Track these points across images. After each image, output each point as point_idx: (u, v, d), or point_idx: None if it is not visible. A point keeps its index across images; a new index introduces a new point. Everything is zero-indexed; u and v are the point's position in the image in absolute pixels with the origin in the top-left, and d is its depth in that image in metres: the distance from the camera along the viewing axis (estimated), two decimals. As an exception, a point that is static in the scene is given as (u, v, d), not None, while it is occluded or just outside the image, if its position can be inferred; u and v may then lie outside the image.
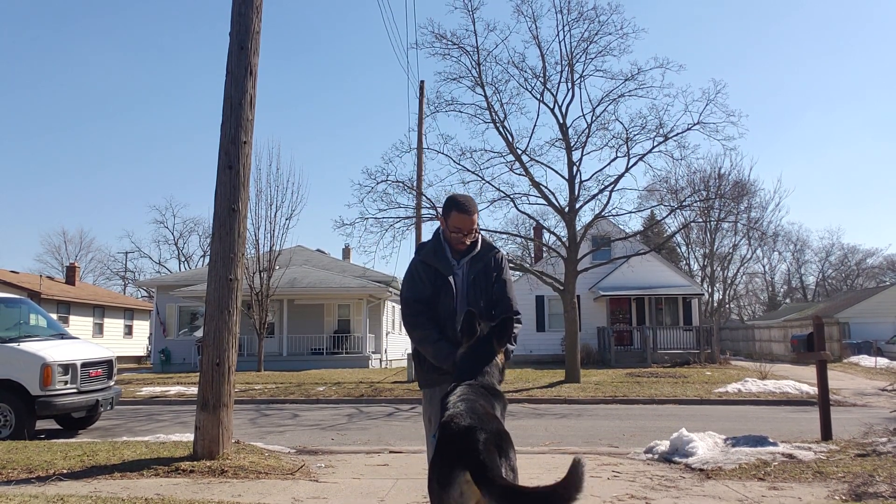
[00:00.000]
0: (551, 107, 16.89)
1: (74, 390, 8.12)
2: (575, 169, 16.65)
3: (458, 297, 3.07)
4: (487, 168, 16.78)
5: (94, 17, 78.55)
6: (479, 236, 3.18)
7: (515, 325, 2.80)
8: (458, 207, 3.01)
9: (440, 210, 3.42)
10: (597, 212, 17.52)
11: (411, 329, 3.06)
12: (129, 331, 32.35)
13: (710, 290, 42.28)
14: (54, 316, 9.96)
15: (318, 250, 30.72)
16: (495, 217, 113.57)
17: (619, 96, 16.60)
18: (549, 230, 19.18)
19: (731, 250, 44.98)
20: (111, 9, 78.00)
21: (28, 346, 8.10)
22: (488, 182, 16.62)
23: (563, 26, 16.51)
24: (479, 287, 3.08)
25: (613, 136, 16.83)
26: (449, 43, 16.40)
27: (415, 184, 16.82)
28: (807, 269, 55.57)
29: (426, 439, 2.99)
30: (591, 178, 17.59)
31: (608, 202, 16.93)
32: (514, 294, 3.15)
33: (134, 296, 43.44)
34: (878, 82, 78.30)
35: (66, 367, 8.05)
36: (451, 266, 3.09)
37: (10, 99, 72.77)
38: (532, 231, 30.93)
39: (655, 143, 16.35)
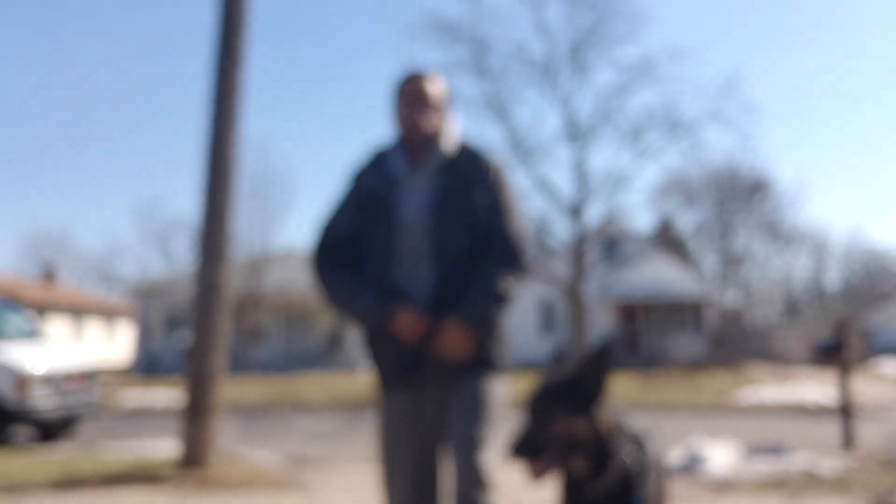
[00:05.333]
0: (558, 100, 16.93)
1: (52, 400, 8.11)
2: (583, 166, 16.68)
3: (404, 230, 2.14)
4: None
5: (77, 9, 78.62)
6: (454, 134, 2.29)
7: (514, 269, 2.13)
8: (406, 75, 2.25)
9: None
10: (605, 212, 17.55)
11: (326, 288, 2.19)
12: (110, 335, 32.36)
13: (724, 292, 42.31)
14: (32, 319, 9.94)
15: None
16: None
17: (630, 88, 16.62)
18: (554, 230, 19.23)
19: (746, 251, 45.00)
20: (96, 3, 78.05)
21: (3, 352, 8.08)
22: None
23: (570, 15, 16.56)
24: (450, 215, 2.12)
25: (624, 131, 16.86)
26: (450, 32, 16.44)
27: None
28: (827, 271, 55.60)
29: (384, 470, 2.27)
30: (599, 175, 17.63)
31: (618, 201, 16.99)
32: (522, 229, 2.20)
33: (116, 298, 43.45)
34: (903, 73, 78.20)
35: (44, 375, 8.04)
36: (394, 179, 2.18)
37: (-14, 91, 72.77)
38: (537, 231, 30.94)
39: (667, 138, 16.38)
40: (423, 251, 2.14)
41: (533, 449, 1.76)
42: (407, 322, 2.07)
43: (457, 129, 2.32)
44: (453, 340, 2.05)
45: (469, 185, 2.18)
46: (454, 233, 2.13)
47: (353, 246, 2.20)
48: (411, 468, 2.16)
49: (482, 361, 2.16)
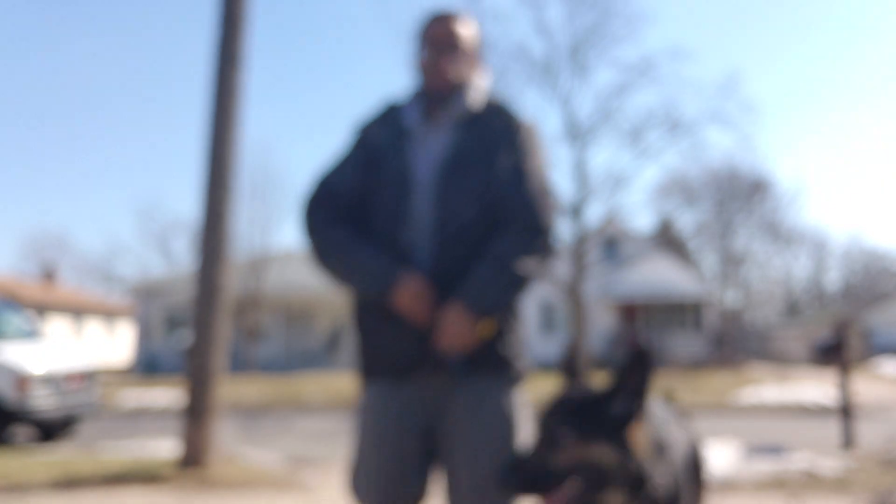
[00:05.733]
0: (558, 100, 16.94)
1: (52, 400, 8.11)
2: (583, 166, 16.69)
3: (415, 189, 1.81)
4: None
5: (77, 10, 78.61)
6: (482, 87, 1.96)
7: (541, 244, 1.78)
8: (433, 14, 1.94)
9: None
10: (605, 212, 17.56)
11: (318, 243, 1.85)
12: (110, 335, 32.37)
13: (724, 292, 42.32)
14: (32, 320, 9.94)
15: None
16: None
17: (630, 88, 16.63)
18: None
19: (746, 251, 45.02)
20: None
21: (3, 352, 8.08)
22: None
23: (570, 15, 16.56)
24: (464, 178, 1.79)
25: (624, 131, 16.87)
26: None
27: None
28: (827, 271, 55.60)
29: (356, 455, 1.85)
30: (599, 175, 17.64)
31: (618, 201, 17.00)
32: (548, 200, 1.84)
33: (117, 298, 43.46)
34: (902, 73, 78.20)
35: (44, 376, 8.03)
36: (406, 133, 1.87)
37: (-14, 91, 72.79)
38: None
39: (667, 139, 16.38)
40: (428, 219, 1.78)
41: (539, 480, 1.44)
42: (414, 293, 1.70)
43: (486, 82, 1.99)
44: (454, 330, 1.67)
45: (491, 144, 1.83)
46: (465, 199, 1.78)
47: (352, 205, 1.86)
48: (390, 478, 1.77)
49: (498, 364, 1.78)
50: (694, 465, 1.57)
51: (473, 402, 1.77)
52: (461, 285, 1.72)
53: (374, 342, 1.84)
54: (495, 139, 1.85)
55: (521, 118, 1.92)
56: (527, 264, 1.75)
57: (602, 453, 1.43)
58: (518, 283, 1.75)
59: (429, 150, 1.85)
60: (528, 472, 1.44)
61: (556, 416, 1.50)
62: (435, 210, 1.78)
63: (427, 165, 1.83)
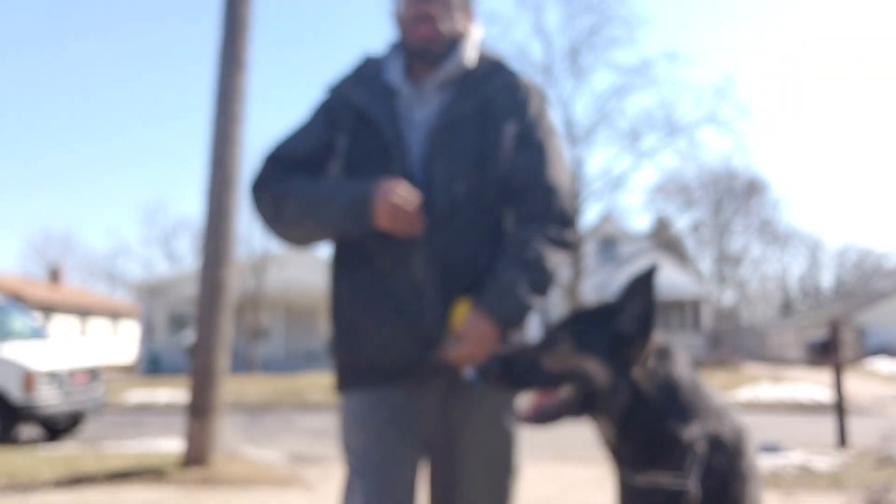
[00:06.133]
0: (556, 102, 16.95)
1: (58, 397, 8.12)
2: (581, 167, 16.70)
3: (408, 161, 1.49)
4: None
5: (82, 10, 78.57)
6: (475, 42, 1.63)
7: (563, 236, 1.52)
8: None
9: None
10: (602, 212, 17.57)
11: (275, 198, 1.53)
12: (115, 334, 32.37)
13: (720, 292, 42.34)
14: (38, 319, 9.96)
15: (313, 251, 30.75)
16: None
17: (627, 90, 16.65)
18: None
19: (742, 251, 45.05)
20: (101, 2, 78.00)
21: (10, 351, 8.09)
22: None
23: (569, 18, 16.58)
24: (464, 145, 1.50)
25: (622, 132, 16.89)
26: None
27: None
28: (822, 270, 55.61)
29: (349, 482, 1.61)
30: (596, 176, 17.65)
31: (615, 202, 17.03)
32: (569, 183, 1.58)
33: (121, 298, 43.49)
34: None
35: (50, 374, 8.05)
36: (389, 92, 1.55)
37: (-8, 93, 72.73)
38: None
39: (664, 139, 16.40)
40: (421, 183, 1.48)
41: (525, 377, 1.33)
42: (398, 198, 1.39)
43: (479, 36, 1.66)
44: (476, 342, 1.40)
45: (491, 109, 1.53)
46: (458, 172, 1.48)
47: (318, 173, 1.55)
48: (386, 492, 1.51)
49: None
50: (736, 451, 1.34)
51: (490, 416, 1.56)
52: (485, 288, 1.45)
53: (361, 338, 1.51)
54: (495, 102, 1.55)
55: (524, 79, 1.63)
56: (555, 262, 1.49)
57: (595, 367, 1.32)
58: (547, 285, 1.48)
59: (416, 114, 1.53)
60: (516, 367, 1.33)
61: (560, 324, 1.39)
62: (422, 185, 1.47)
63: (415, 132, 1.52)
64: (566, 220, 1.53)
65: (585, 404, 1.33)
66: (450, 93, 1.56)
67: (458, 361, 1.44)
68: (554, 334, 1.37)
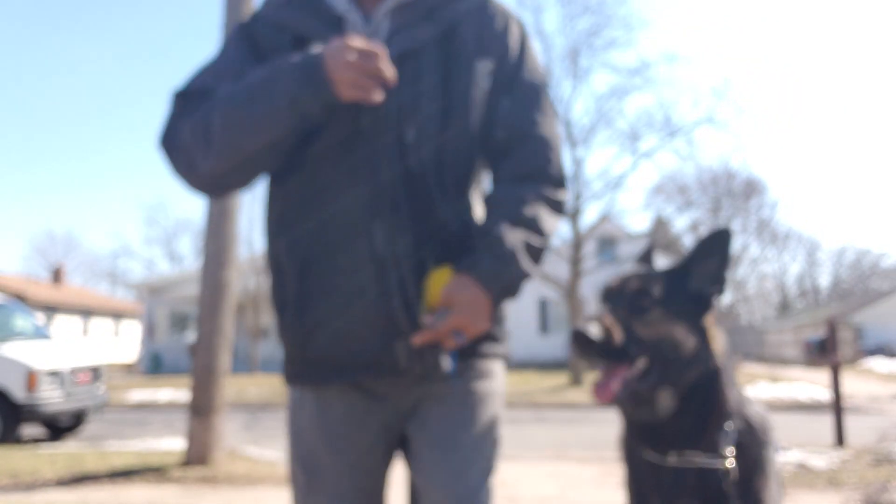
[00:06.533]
0: (556, 102, 16.97)
1: (61, 396, 8.13)
2: (578, 167, 16.70)
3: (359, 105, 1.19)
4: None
5: (83, 12, 78.56)
6: None
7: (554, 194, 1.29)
8: None
9: None
10: (601, 211, 17.57)
11: (197, 123, 1.20)
12: (117, 334, 32.37)
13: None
14: (41, 319, 9.96)
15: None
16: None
17: (626, 91, 16.65)
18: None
19: (740, 251, 45.07)
20: (101, 2, 78.00)
21: (12, 350, 8.10)
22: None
23: (568, 19, 16.58)
24: (426, 85, 1.24)
25: (621, 133, 16.89)
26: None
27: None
28: (820, 270, 55.65)
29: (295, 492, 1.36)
30: (595, 176, 17.66)
31: (614, 202, 17.03)
32: (558, 135, 1.33)
33: (123, 298, 43.51)
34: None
35: (52, 373, 8.05)
36: (333, 23, 1.28)
37: (-5, 94, 72.75)
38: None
39: (663, 140, 16.40)
40: (376, 147, 1.20)
41: (614, 349, 1.17)
42: (356, 52, 1.10)
43: None
44: (466, 318, 1.15)
45: (457, 37, 1.27)
46: (424, 119, 1.22)
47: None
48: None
49: (479, 344, 1.29)
50: (764, 437, 1.34)
51: (467, 407, 1.29)
52: (470, 254, 1.21)
53: (309, 324, 1.23)
54: (463, 31, 1.28)
55: (500, 4, 1.35)
56: (552, 226, 1.27)
57: (683, 333, 1.20)
58: (544, 251, 1.26)
59: None
60: (607, 340, 1.18)
61: (634, 284, 1.25)
62: (384, 129, 1.22)
63: None
64: (561, 179, 1.30)
65: (664, 377, 1.20)
66: (404, 18, 1.27)
67: (440, 337, 1.17)
68: (633, 299, 1.22)
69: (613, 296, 1.27)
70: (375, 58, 1.11)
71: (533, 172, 1.28)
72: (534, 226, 1.24)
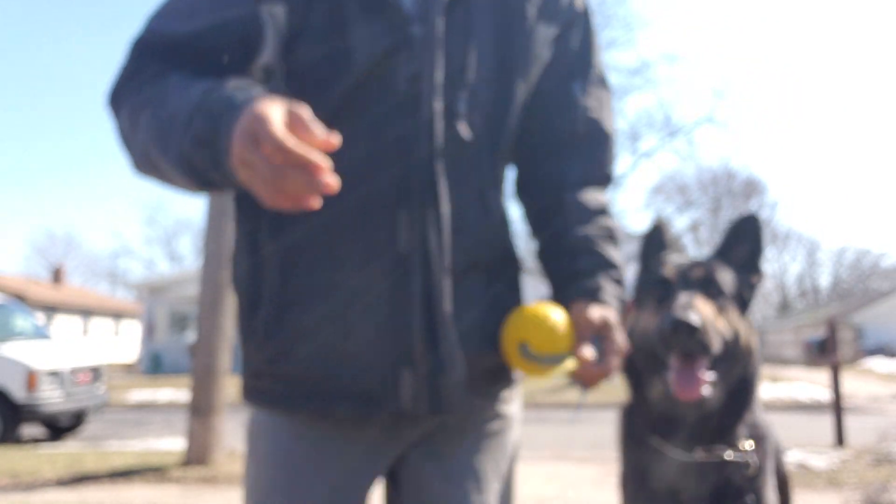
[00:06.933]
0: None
1: (61, 396, 8.12)
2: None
3: (424, 57, 0.90)
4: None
5: (84, 11, 78.62)
6: None
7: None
8: None
9: None
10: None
11: (124, 131, 0.93)
12: (117, 333, 32.38)
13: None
14: (41, 319, 9.96)
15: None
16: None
17: (626, 91, 16.67)
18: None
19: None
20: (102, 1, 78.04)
21: (12, 350, 8.09)
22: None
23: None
24: (484, 41, 0.95)
25: (620, 133, 16.91)
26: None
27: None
28: (820, 270, 55.64)
29: None
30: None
31: (614, 202, 17.05)
32: (608, 111, 1.10)
33: (123, 298, 43.51)
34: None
35: (52, 373, 8.04)
36: None
37: (-5, 94, 72.76)
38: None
39: (663, 140, 16.42)
40: (416, 119, 0.91)
41: (701, 340, 1.10)
42: (275, 143, 0.67)
43: None
44: (621, 342, 0.95)
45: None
46: (481, 84, 0.96)
47: (227, 71, 0.88)
48: None
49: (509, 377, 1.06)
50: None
51: (493, 436, 1.05)
52: (582, 277, 0.99)
53: (300, 331, 0.93)
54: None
55: None
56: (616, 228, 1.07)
57: (747, 328, 1.15)
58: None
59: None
60: (693, 332, 1.09)
61: (712, 274, 1.18)
62: (444, 91, 0.92)
63: (435, 23, 0.92)
64: (611, 180, 1.12)
65: (727, 373, 1.16)
66: None
67: (595, 379, 0.94)
68: (716, 296, 1.16)
69: (700, 282, 1.17)
70: (303, 151, 0.67)
71: (602, 174, 1.09)
72: (615, 238, 1.06)
